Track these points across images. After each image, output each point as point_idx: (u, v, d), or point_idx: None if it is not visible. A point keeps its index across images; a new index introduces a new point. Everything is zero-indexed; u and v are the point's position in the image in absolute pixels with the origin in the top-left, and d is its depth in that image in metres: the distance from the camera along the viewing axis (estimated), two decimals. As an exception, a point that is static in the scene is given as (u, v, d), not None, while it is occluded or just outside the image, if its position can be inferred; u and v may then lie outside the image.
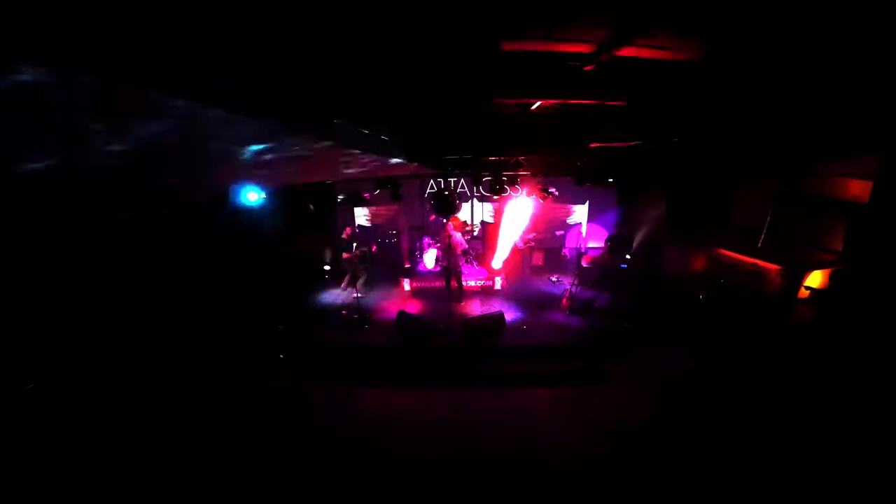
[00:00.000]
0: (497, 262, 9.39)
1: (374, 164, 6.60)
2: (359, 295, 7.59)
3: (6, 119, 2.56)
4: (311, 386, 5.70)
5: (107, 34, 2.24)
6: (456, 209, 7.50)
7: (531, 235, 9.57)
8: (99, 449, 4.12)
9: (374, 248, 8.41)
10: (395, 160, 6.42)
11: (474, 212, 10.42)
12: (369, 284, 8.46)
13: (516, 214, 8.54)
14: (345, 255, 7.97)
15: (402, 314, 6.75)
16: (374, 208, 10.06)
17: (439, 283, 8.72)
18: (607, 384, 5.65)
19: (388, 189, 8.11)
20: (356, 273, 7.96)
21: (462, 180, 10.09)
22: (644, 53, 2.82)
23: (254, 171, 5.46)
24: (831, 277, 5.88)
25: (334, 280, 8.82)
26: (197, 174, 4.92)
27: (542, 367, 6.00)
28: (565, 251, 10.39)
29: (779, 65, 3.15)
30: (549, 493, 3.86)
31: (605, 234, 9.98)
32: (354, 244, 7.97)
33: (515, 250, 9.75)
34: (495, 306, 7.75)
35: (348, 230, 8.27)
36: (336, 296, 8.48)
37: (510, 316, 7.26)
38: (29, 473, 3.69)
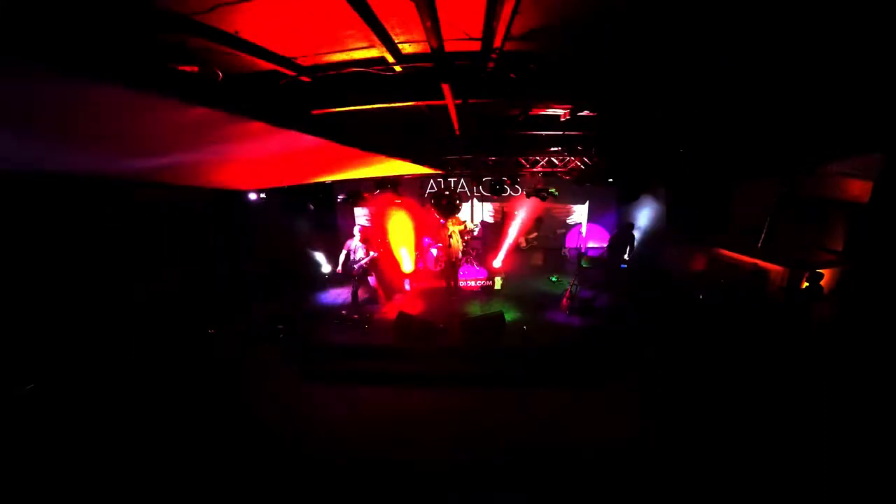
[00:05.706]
0: (497, 261, 9.40)
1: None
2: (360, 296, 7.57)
3: None
4: (310, 387, 5.70)
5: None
6: (456, 209, 7.50)
7: (533, 235, 9.57)
8: (96, 445, 4.12)
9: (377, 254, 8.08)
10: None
11: (474, 212, 10.42)
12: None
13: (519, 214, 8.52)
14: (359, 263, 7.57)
15: (402, 314, 6.75)
16: (374, 208, 10.05)
17: (439, 283, 8.72)
18: (607, 384, 5.65)
19: (388, 189, 8.11)
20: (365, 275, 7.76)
21: (462, 180, 10.08)
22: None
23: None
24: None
25: (334, 281, 8.80)
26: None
27: (541, 368, 5.99)
28: (565, 251, 10.40)
29: (778, 66, 3.15)
30: (550, 492, 3.85)
31: (605, 234, 9.99)
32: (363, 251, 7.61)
33: (517, 249, 9.76)
34: (495, 306, 7.75)
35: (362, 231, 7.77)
36: (336, 296, 8.48)
37: (510, 316, 7.26)
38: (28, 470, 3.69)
